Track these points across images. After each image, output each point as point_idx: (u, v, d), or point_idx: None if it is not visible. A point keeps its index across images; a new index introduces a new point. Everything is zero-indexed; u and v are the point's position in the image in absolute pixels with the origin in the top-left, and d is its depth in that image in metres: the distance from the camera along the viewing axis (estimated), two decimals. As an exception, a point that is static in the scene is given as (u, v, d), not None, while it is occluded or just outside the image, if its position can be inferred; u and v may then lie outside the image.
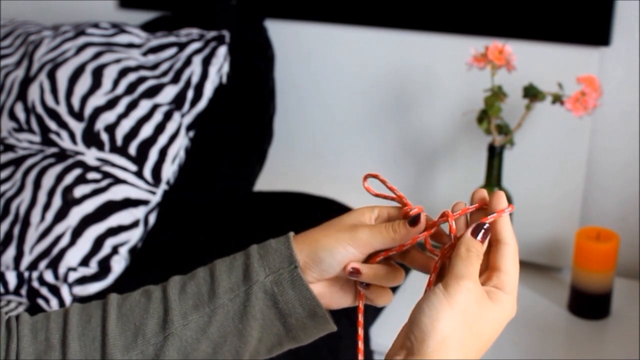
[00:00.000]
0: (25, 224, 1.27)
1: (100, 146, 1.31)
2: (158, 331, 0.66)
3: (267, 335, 0.68)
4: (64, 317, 0.67)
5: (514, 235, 0.65)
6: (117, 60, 1.36)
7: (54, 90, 1.34)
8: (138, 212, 1.30)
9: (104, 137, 1.31)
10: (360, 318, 0.70)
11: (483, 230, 0.64)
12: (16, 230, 1.27)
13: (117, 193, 1.29)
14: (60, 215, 1.26)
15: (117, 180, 1.30)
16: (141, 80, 1.35)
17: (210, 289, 0.67)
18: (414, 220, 0.67)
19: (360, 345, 0.70)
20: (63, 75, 1.34)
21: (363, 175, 0.72)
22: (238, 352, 0.67)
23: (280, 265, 0.67)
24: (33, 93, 1.35)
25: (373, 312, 1.34)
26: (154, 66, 1.39)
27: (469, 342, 0.59)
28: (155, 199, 1.33)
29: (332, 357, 1.19)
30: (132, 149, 1.31)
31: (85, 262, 1.25)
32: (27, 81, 1.36)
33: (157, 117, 1.34)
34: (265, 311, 0.67)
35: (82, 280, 1.24)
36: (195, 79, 1.37)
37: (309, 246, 0.67)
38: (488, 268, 0.64)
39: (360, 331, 0.70)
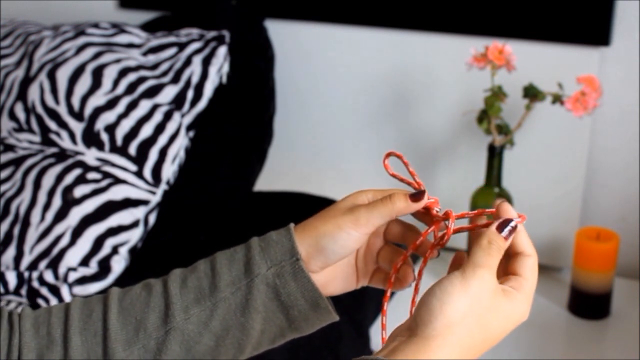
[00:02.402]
0: (25, 224, 1.27)
1: (100, 146, 1.31)
2: (159, 325, 0.66)
3: (269, 327, 0.68)
4: (65, 312, 0.68)
5: (533, 247, 0.64)
6: (117, 60, 1.36)
7: (54, 90, 1.34)
8: (138, 212, 1.30)
9: (104, 137, 1.31)
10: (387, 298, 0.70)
11: (509, 228, 0.63)
12: (16, 230, 1.27)
13: (117, 193, 1.29)
14: (60, 215, 1.26)
15: (117, 180, 1.30)
16: (141, 80, 1.36)
17: (212, 282, 0.67)
18: (416, 195, 0.66)
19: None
20: (63, 75, 1.34)
21: (385, 152, 0.70)
22: (240, 344, 0.68)
23: (282, 257, 0.67)
24: (33, 93, 1.35)
25: (373, 312, 1.34)
26: (154, 66, 1.39)
27: (476, 333, 0.58)
28: (155, 199, 1.33)
29: (332, 357, 1.19)
30: (132, 149, 1.31)
31: (85, 262, 1.25)
32: (27, 81, 1.36)
33: (157, 117, 1.34)
34: (267, 304, 0.67)
35: (82, 280, 1.24)
36: (195, 79, 1.37)
37: (309, 236, 0.67)
38: (506, 274, 0.63)
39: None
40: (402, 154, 0.69)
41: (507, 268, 0.64)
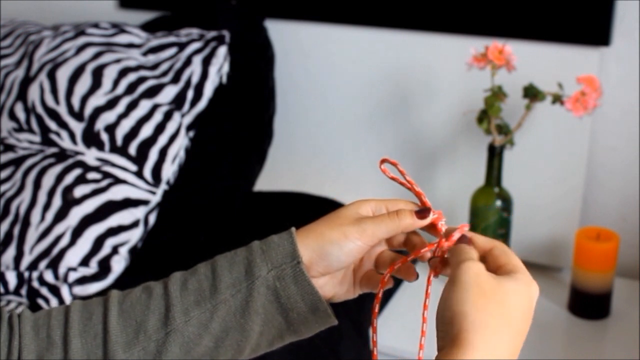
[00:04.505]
0: (25, 224, 1.27)
1: (100, 146, 1.31)
2: (159, 327, 0.66)
3: (268, 329, 0.68)
4: (65, 314, 0.68)
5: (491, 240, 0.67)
6: (117, 60, 1.36)
7: (54, 90, 1.34)
8: (138, 212, 1.30)
9: (104, 137, 1.31)
10: (378, 301, 0.70)
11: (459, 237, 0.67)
12: (16, 230, 1.27)
13: (117, 193, 1.29)
14: (60, 215, 1.26)
15: (117, 180, 1.30)
16: (141, 80, 1.36)
17: (212, 284, 0.67)
18: (422, 212, 0.68)
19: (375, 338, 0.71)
20: (63, 75, 1.34)
21: (380, 159, 0.72)
22: (239, 346, 0.68)
23: (283, 260, 0.67)
24: (33, 93, 1.35)
25: (373, 312, 1.34)
26: (154, 66, 1.39)
27: (497, 312, 0.58)
28: (155, 199, 1.33)
29: (333, 356, 1.19)
30: (132, 149, 1.31)
31: (85, 262, 1.25)
32: (27, 81, 1.36)
33: (157, 117, 1.34)
34: (267, 306, 0.67)
35: (82, 280, 1.24)
36: (195, 79, 1.37)
37: (314, 241, 0.67)
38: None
39: (375, 318, 0.70)
40: (397, 162, 0.70)
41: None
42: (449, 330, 0.58)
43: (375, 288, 0.71)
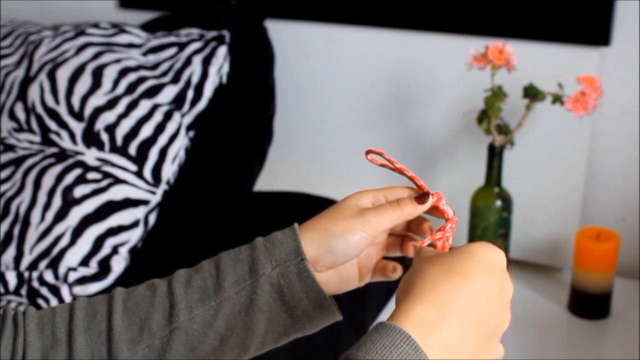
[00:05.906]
0: (25, 224, 1.27)
1: (100, 146, 1.31)
2: (164, 325, 0.66)
3: (273, 326, 0.68)
4: (69, 312, 0.68)
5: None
6: (117, 60, 1.36)
7: (54, 90, 1.34)
8: (138, 212, 1.30)
9: (104, 137, 1.31)
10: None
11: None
12: (16, 230, 1.27)
13: (117, 193, 1.29)
14: (60, 215, 1.26)
15: (117, 180, 1.30)
16: (141, 80, 1.36)
17: (216, 282, 0.67)
18: (421, 197, 0.69)
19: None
20: (63, 75, 1.34)
21: (365, 150, 0.73)
22: (244, 344, 0.68)
23: (287, 257, 0.67)
24: (33, 93, 1.35)
25: (373, 312, 1.34)
26: (154, 66, 1.39)
27: (444, 267, 0.58)
28: (155, 199, 1.33)
29: (332, 356, 1.19)
30: (132, 149, 1.31)
31: (85, 262, 1.25)
32: (27, 81, 1.36)
33: (157, 117, 1.34)
34: (271, 303, 0.67)
35: (82, 280, 1.24)
36: (195, 79, 1.37)
37: (319, 236, 0.67)
38: None
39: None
40: (383, 151, 0.72)
41: None
42: (399, 300, 0.58)
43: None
